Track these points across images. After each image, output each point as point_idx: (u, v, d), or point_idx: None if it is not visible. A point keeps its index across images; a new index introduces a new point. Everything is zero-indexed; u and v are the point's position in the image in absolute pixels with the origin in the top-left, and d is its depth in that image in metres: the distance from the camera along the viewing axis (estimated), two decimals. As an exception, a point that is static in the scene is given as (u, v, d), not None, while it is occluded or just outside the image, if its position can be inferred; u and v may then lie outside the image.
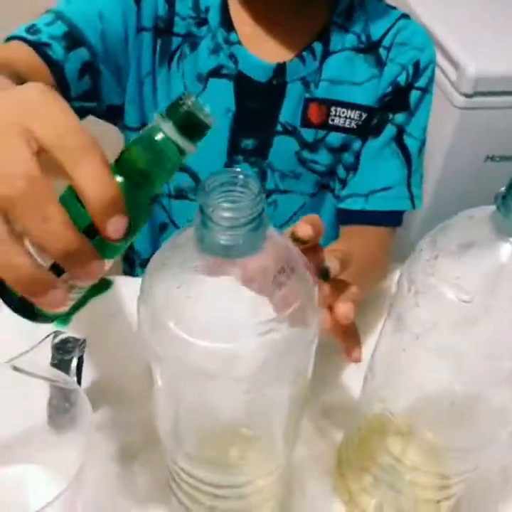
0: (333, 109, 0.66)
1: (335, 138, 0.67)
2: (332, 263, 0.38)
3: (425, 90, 0.67)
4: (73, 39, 0.58)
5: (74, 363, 0.45)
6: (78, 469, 0.35)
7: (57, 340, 0.46)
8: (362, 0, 0.67)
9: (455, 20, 1.23)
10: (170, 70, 0.65)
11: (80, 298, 0.32)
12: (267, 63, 0.64)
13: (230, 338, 0.28)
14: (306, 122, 0.66)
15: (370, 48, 0.66)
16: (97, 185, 0.27)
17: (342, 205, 0.70)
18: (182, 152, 0.29)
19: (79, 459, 0.35)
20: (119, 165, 0.29)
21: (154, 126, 0.29)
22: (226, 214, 0.26)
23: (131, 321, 0.59)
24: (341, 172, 0.70)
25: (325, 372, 0.55)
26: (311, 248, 0.37)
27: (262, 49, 0.65)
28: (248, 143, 0.67)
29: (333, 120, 0.66)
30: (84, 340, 0.47)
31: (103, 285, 0.63)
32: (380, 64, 0.66)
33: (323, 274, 0.37)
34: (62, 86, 0.58)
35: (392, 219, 0.67)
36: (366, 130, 0.67)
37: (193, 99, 0.28)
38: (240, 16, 0.65)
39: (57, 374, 0.41)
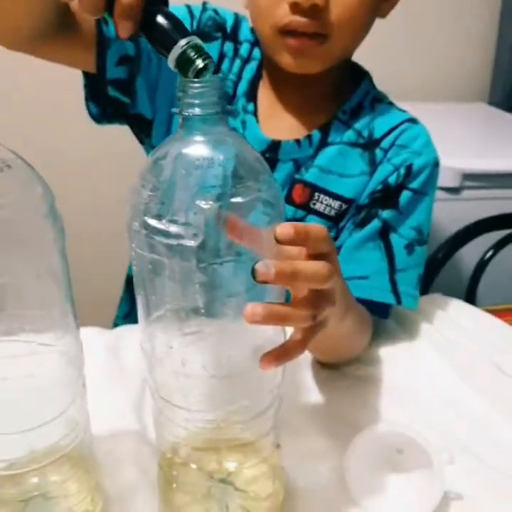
0: (316, 194, 0.68)
1: (312, 221, 0.69)
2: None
3: (420, 192, 0.67)
4: None
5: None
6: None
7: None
8: (373, 102, 0.70)
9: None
10: None
11: None
12: (265, 137, 0.68)
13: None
14: (288, 200, 0.69)
15: (368, 145, 0.68)
16: None
17: None
18: None
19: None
20: None
21: None
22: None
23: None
24: None
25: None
26: None
27: (269, 125, 0.69)
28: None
29: (314, 204, 0.69)
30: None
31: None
32: (374, 163, 0.68)
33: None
34: (100, 63, 0.64)
35: (375, 310, 0.65)
36: (341, 219, 0.69)
37: (192, 42, 0.34)
38: (265, 89, 0.71)
39: None
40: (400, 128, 0.69)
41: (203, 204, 0.33)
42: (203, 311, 0.36)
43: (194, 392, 0.39)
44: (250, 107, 0.70)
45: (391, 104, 0.72)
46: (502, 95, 1.66)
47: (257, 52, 0.71)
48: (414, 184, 0.67)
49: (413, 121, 0.70)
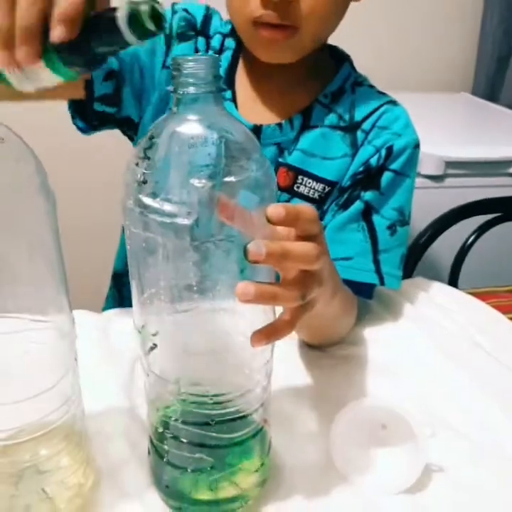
0: (300, 177, 0.70)
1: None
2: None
3: (400, 173, 0.68)
4: None
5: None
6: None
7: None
8: (353, 85, 0.71)
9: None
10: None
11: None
12: (246, 122, 0.68)
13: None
14: None
15: (350, 128, 0.70)
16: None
17: None
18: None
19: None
20: None
21: None
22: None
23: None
24: None
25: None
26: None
27: (249, 110, 0.70)
28: None
29: (298, 187, 0.70)
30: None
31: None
32: (355, 145, 0.70)
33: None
34: (89, 85, 0.65)
35: (358, 290, 0.66)
36: (326, 201, 0.70)
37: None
38: (242, 76, 0.72)
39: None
40: (381, 110, 0.70)
41: (197, 183, 0.34)
42: (195, 289, 0.37)
43: (186, 368, 0.40)
44: (228, 94, 0.71)
45: (372, 87, 0.74)
46: (485, 85, 1.68)
47: (230, 43, 0.72)
48: (395, 165, 0.68)
49: (393, 103, 0.72)
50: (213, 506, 0.43)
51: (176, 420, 0.41)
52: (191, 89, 0.35)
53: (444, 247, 0.97)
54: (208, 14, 0.73)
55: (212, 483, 0.42)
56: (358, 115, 0.70)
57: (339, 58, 0.74)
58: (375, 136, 0.69)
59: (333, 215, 0.69)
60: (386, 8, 1.63)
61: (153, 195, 0.34)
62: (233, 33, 0.72)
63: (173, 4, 0.72)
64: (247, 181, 0.36)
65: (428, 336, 0.66)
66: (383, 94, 0.73)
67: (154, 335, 0.40)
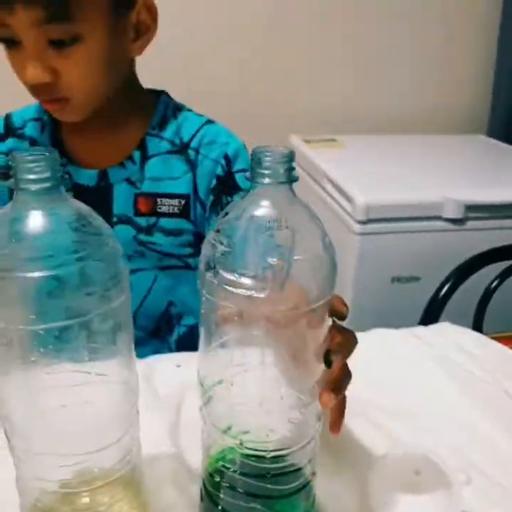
0: (158, 199, 0.79)
1: (165, 222, 0.80)
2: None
3: (246, 169, 0.79)
4: None
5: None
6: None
7: None
8: (174, 111, 0.82)
9: (345, 161, 1.49)
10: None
11: None
12: (92, 171, 0.78)
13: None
14: (138, 212, 0.80)
15: (181, 150, 0.80)
16: None
17: None
18: None
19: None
20: None
21: None
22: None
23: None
24: (185, 250, 0.82)
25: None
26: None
27: (89, 160, 0.79)
28: None
29: (160, 208, 0.80)
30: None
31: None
32: (190, 162, 0.80)
33: (327, 361, 0.44)
34: None
35: None
36: (188, 212, 0.80)
37: None
38: (68, 135, 0.80)
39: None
40: (203, 129, 0.81)
41: (271, 261, 0.38)
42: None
43: (246, 422, 0.43)
44: (63, 160, 0.78)
45: (190, 110, 0.84)
46: (500, 127, 1.72)
47: (45, 117, 0.80)
48: (239, 165, 0.80)
49: (211, 122, 0.83)
50: None
51: (235, 471, 0.44)
52: (267, 180, 0.39)
53: (467, 292, 0.99)
54: (8, 116, 0.81)
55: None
56: (186, 136, 0.80)
57: (156, 91, 0.83)
58: (208, 151, 0.80)
59: None
60: (401, 52, 1.69)
61: (232, 269, 0.39)
62: (40, 109, 0.80)
63: None
64: (313, 260, 0.40)
65: (456, 382, 0.69)
66: (201, 115, 0.83)
67: (215, 385, 0.43)
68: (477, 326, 0.96)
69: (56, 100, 0.70)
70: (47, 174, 0.37)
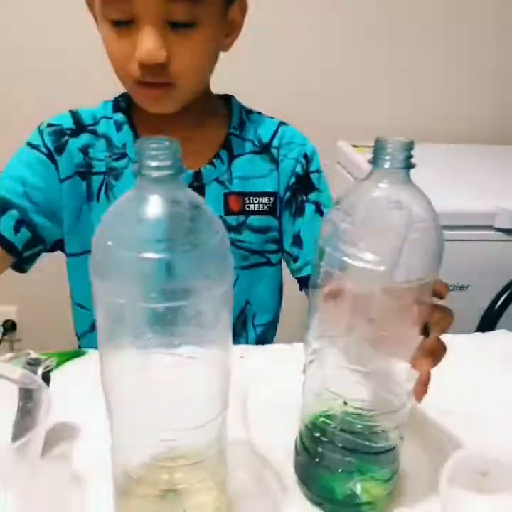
0: (247, 198, 0.82)
1: (254, 220, 0.83)
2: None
3: (320, 171, 0.86)
4: (2, 206, 0.75)
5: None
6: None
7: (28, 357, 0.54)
8: (247, 113, 0.85)
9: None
10: (99, 201, 0.81)
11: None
12: (187, 171, 0.79)
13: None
14: (228, 211, 0.82)
15: (263, 150, 0.83)
16: None
17: (300, 275, 0.85)
18: None
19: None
20: None
21: None
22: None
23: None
24: (270, 246, 0.86)
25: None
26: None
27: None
28: None
29: (249, 207, 0.82)
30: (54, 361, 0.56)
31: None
32: (274, 160, 0.84)
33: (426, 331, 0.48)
34: (5, 244, 0.75)
35: None
36: (276, 210, 0.84)
37: None
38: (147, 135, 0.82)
39: (26, 374, 0.49)
40: (280, 129, 0.85)
41: (390, 238, 0.43)
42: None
43: (351, 387, 0.48)
44: None
45: (260, 113, 0.87)
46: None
47: (119, 117, 0.80)
48: (313, 166, 0.85)
49: (284, 123, 0.87)
50: (348, 507, 0.51)
51: (335, 427, 0.49)
52: (387, 165, 0.44)
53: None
54: (75, 113, 0.81)
55: (354, 485, 0.50)
56: (264, 137, 0.84)
57: (225, 96, 0.86)
58: (288, 151, 0.84)
59: (293, 223, 0.84)
60: (428, 63, 1.69)
61: (353, 244, 0.43)
62: (116, 106, 0.81)
63: (38, 127, 0.79)
64: (425, 239, 0.45)
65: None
66: (272, 117, 0.87)
67: (324, 347, 0.48)
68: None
69: (160, 85, 0.71)
70: (168, 162, 0.38)
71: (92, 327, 0.87)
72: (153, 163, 0.38)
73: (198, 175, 0.79)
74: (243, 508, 0.51)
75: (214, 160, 0.80)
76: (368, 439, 0.49)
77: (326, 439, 0.50)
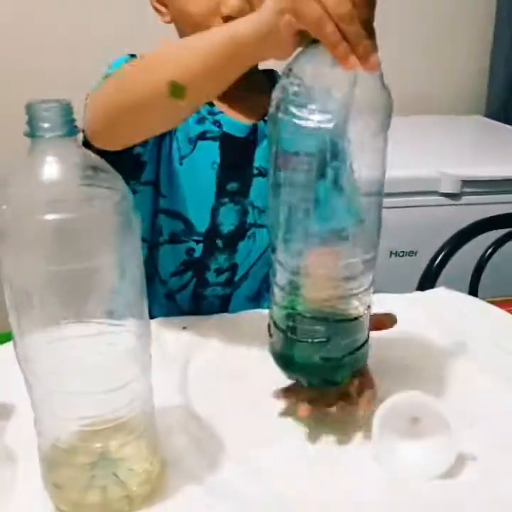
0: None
1: None
2: None
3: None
4: None
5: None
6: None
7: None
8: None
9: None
10: (171, 135, 0.79)
11: None
12: (245, 124, 0.80)
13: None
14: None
15: None
16: None
17: None
18: None
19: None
20: None
21: None
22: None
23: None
24: None
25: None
26: None
27: (237, 116, 0.81)
28: (233, 185, 0.81)
29: None
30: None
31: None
32: None
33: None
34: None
35: None
36: None
37: None
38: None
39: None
40: None
41: (337, 94, 0.43)
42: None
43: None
44: (214, 109, 0.79)
45: None
46: (497, 107, 1.74)
47: None
48: None
49: None
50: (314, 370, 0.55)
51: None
52: None
53: (463, 259, 1.02)
54: None
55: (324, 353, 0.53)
56: None
57: (265, 70, 0.85)
58: None
59: None
60: (397, 33, 1.70)
61: (302, 105, 0.44)
62: None
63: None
64: (369, 93, 0.45)
65: (451, 341, 0.71)
66: None
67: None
68: (473, 292, 0.99)
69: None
70: (59, 122, 0.38)
71: None
72: (45, 125, 0.38)
73: (255, 127, 0.81)
74: (176, 471, 0.51)
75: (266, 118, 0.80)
76: (334, 307, 0.53)
77: (296, 313, 0.53)
